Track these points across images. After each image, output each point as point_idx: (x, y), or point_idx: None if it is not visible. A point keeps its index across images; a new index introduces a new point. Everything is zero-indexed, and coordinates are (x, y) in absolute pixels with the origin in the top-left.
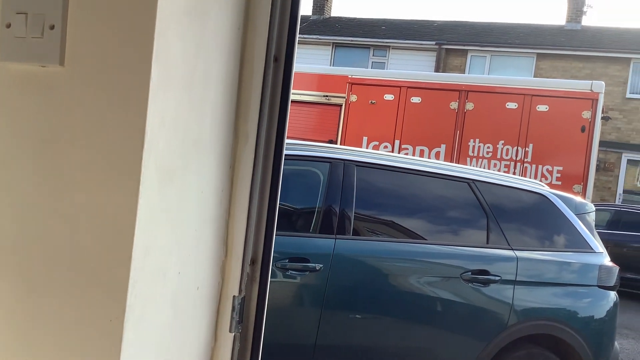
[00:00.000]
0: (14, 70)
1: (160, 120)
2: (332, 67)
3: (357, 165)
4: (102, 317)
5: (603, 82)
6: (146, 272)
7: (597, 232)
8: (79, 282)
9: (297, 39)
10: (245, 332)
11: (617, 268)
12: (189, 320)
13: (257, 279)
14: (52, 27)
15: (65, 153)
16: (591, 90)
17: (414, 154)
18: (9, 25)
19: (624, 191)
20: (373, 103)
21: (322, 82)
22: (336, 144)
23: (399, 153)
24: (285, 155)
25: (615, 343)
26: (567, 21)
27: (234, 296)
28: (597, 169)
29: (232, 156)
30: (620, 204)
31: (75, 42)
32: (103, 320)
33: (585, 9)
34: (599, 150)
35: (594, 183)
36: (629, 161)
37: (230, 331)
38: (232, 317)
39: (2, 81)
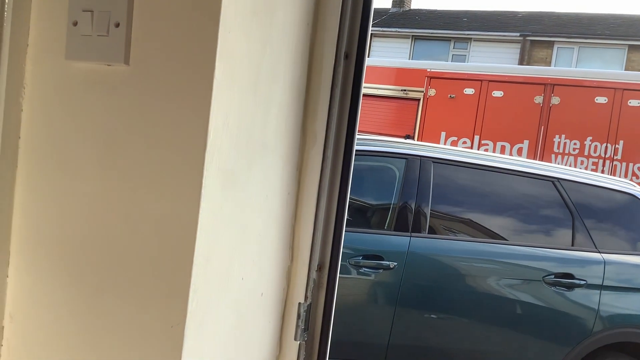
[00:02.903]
0: (80, 69)
1: (224, 121)
2: (410, 60)
3: (434, 162)
4: (163, 322)
5: None
6: (208, 277)
7: None
8: (142, 287)
9: (369, 35)
10: (311, 341)
11: None
12: (253, 327)
13: (324, 286)
14: (117, 25)
15: (127, 154)
16: None
17: (494, 150)
18: (75, 23)
19: None
20: (452, 97)
21: (400, 76)
22: (413, 139)
23: (478, 149)
24: (361, 151)
25: None
26: None
27: (299, 303)
28: None
29: (300, 157)
30: None
31: (139, 41)
32: (164, 326)
33: None
34: None
35: None
36: None
37: (295, 339)
38: (297, 325)
39: (69, 80)
